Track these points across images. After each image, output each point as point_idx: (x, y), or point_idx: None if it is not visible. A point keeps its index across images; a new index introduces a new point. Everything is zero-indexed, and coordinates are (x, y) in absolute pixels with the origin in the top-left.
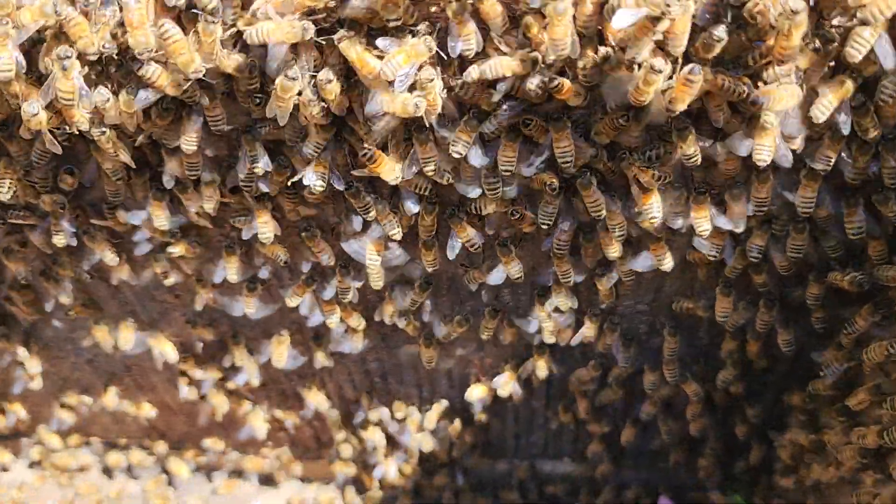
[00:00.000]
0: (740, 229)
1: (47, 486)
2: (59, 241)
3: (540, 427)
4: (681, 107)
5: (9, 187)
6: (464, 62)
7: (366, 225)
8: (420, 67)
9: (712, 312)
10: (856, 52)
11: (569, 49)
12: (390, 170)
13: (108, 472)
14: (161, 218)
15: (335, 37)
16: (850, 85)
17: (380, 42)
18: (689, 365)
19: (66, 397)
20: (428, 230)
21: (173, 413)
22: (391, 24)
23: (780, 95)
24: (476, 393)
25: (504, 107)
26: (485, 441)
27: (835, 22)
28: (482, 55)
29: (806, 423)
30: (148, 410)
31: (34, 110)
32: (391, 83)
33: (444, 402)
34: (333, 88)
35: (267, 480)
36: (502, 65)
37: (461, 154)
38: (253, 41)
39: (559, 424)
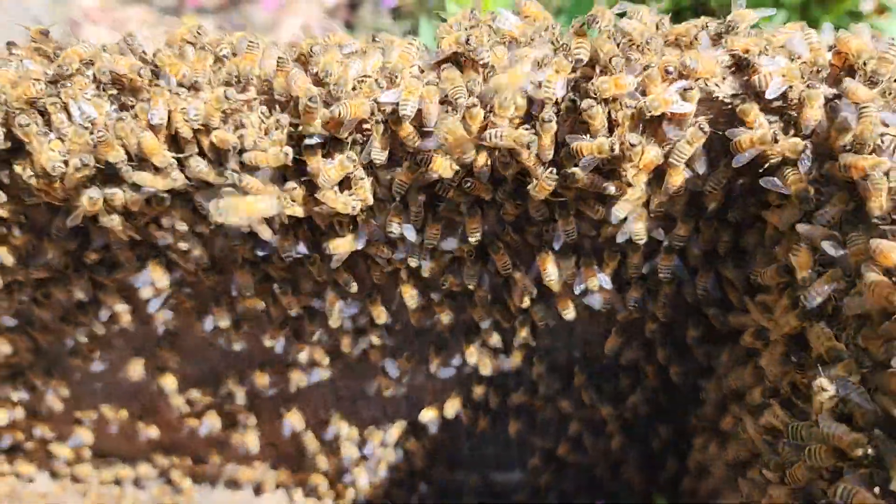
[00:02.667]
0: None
1: (67, 494)
2: (78, 295)
3: (490, 442)
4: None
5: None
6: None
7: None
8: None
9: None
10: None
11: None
12: (347, 244)
13: (118, 482)
14: (160, 278)
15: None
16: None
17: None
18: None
19: (84, 417)
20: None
21: (175, 431)
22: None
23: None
24: (428, 415)
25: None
26: (444, 455)
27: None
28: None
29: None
30: (153, 431)
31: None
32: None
33: (404, 423)
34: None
35: (258, 490)
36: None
37: (396, 234)
38: None
39: (506, 439)
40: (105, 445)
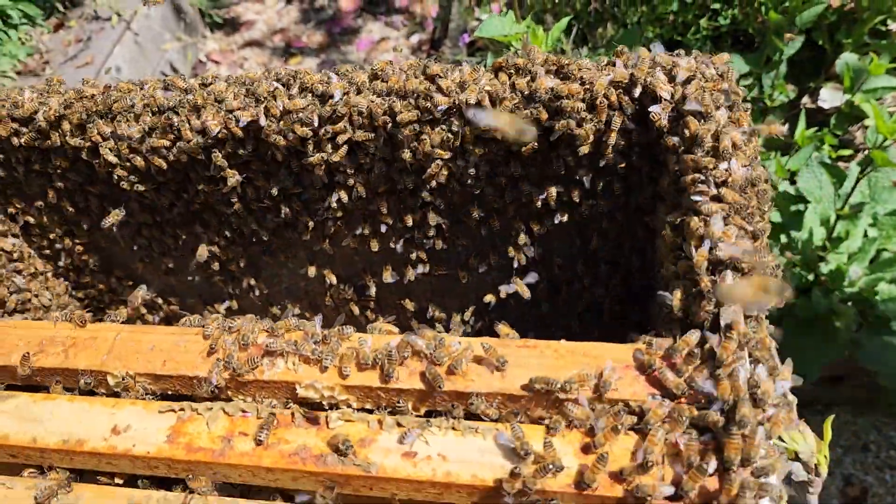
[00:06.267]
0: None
1: None
2: (283, 217)
3: (528, 328)
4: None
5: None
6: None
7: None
8: None
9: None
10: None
11: None
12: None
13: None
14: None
15: None
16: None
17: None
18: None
19: (272, 312)
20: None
21: (328, 320)
22: None
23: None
24: (489, 297)
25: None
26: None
27: None
28: None
29: None
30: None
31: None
32: None
33: (474, 307)
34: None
35: None
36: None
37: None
38: None
39: (539, 318)
40: None
